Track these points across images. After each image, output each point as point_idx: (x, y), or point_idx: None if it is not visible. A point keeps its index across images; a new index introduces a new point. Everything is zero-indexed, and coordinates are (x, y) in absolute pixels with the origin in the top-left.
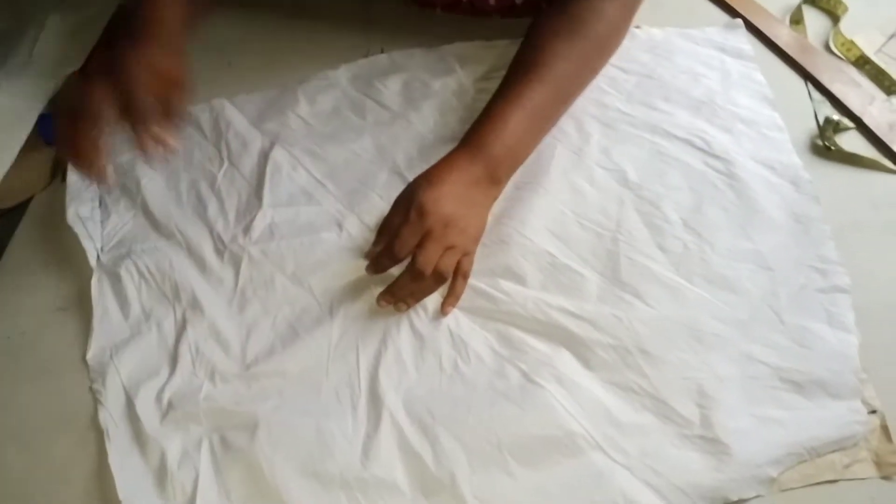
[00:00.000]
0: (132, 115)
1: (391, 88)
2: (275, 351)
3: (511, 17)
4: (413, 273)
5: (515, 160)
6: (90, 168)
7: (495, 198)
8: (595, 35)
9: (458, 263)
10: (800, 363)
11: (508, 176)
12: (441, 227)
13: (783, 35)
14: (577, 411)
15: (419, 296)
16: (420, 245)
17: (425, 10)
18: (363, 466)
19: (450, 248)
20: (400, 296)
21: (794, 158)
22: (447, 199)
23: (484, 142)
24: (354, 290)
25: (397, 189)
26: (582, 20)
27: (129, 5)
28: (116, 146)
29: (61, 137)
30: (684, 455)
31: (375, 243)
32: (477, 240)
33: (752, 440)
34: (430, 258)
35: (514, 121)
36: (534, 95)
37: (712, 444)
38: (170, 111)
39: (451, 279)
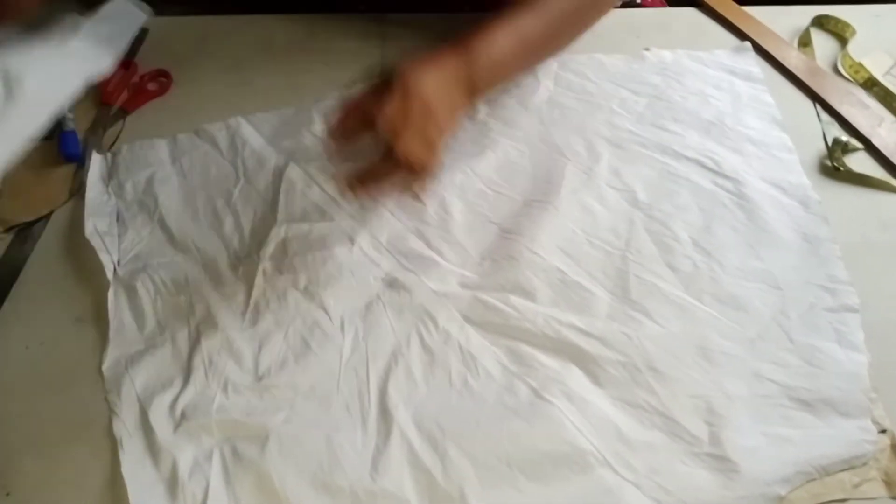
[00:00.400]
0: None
1: None
2: (287, 364)
3: None
4: (390, 158)
5: (495, 77)
6: None
7: (468, 108)
8: None
9: (424, 155)
10: (809, 382)
11: (485, 91)
12: (422, 112)
13: (792, 58)
14: (586, 428)
15: (392, 184)
16: (399, 132)
17: (438, 36)
18: (372, 480)
19: (425, 138)
20: (370, 179)
21: (804, 179)
22: (430, 86)
23: (471, 48)
24: (366, 305)
25: (409, 207)
26: None
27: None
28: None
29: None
30: (693, 472)
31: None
32: (448, 135)
33: (761, 458)
34: (410, 145)
35: (503, 40)
36: (526, 24)
37: (721, 461)
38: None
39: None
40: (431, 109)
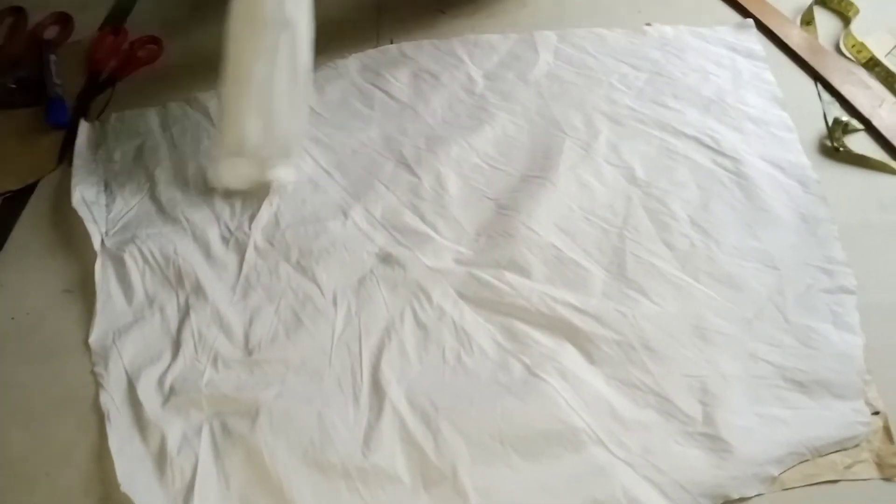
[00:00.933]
0: None
1: (400, 80)
2: (278, 338)
3: None
4: None
5: None
6: None
7: None
8: None
9: None
10: (804, 363)
11: None
12: None
13: (794, 36)
14: (580, 406)
15: None
16: None
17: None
18: (364, 456)
19: None
20: None
21: (803, 158)
22: None
23: None
24: (359, 280)
25: (403, 180)
26: None
27: None
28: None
29: None
30: (686, 452)
31: None
32: None
33: (754, 438)
34: None
35: None
36: None
37: (715, 441)
38: None
39: None
40: None
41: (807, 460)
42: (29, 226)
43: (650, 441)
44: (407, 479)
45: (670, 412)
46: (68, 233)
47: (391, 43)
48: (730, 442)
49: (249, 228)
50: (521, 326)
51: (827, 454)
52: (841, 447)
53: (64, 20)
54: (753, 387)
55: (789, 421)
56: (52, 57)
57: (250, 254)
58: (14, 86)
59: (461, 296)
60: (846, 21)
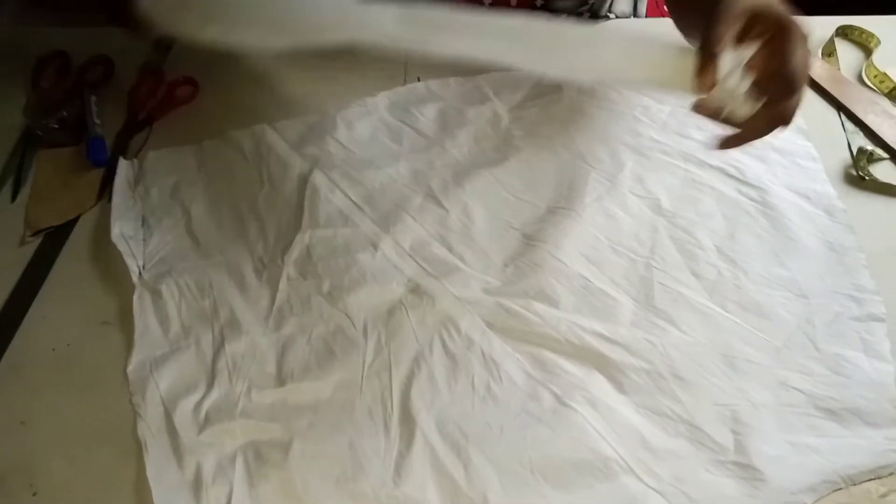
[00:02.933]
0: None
1: (427, 116)
2: (310, 368)
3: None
4: (790, 89)
5: None
6: None
7: None
8: None
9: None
10: (835, 391)
11: None
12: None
13: (816, 67)
14: (610, 435)
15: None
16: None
17: None
18: (395, 485)
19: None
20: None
21: (829, 188)
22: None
23: None
24: (388, 311)
25: (431, 213)
26: None
27: None
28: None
29: None
30: (718, 481)
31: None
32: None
33: (786, 467)
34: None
35: None
36: None
37: (747, 470)
38: None
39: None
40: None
41: (840, 489)
42: (69, 260)
43: (681, 470)
44: None
45: (701, 441)
46: (106, 267)
47: (418, 80)
48: (762, 470)
49: (282, 261)
50: (549, 356)
51: (861, 482)
52: (875, 475)
53: (105, 63)
54: (784, 415)
55: (822, 449)
56: (93, 98)
57: (283, 286)
58: (56, 126)
59: (490, 325)
60: (868, 52)
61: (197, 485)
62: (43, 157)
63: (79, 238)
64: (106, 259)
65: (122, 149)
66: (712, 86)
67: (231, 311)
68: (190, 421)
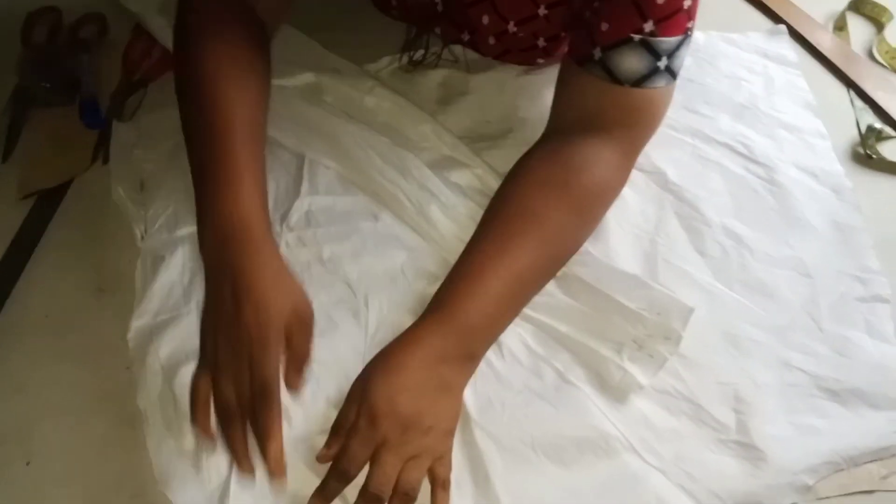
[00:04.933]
0: (263, 404)
1: (430, 82)
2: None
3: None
4: (368, 499)
5: (494, 330)
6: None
7: (470, 375)
8: (593, 183)
9: (432, 472)
10: (838, 372)
11: (485, 350)
12: (398, 432)
13: (826, 42)
14: (612, 413)
15: None
16: (373, 460)
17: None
18: None
19: (414, 457)
20: None
21: (837, 166)
22: (407, 394)
23: (458, 308)
24: (391, 281)
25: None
26: (576, 168)
27: (210, 239)
28: None
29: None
30: (720, 460)
31: (327, 445)
32: (450, 433)
33: (788, 447)
34: (386, 477)
35: (497, 281)
36: (520, 253)
37: (749, 449)
38: (296, 355)
39: (433, 493)
40: (410, 419)
41: (842, 470)
42: (63, 224)
43: (683, 449)
44: None
45: (703, 420)
46: (101, 232)
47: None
48: (764, 450)
49: (281, 228)
50: (553, 331)
51: (862, 464)
52: (876, 457)
53: (99, 21)
54: (787, 395)
55: (824, 430)
56: (87, 57)
57: (282, 252)
58: (48, 85)
59: None
60: (879, 27)
61: (197, 454)
62: (35, 117)
63: (72, 202)
64: (100, 224)
65: (116, 110)
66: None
67: None
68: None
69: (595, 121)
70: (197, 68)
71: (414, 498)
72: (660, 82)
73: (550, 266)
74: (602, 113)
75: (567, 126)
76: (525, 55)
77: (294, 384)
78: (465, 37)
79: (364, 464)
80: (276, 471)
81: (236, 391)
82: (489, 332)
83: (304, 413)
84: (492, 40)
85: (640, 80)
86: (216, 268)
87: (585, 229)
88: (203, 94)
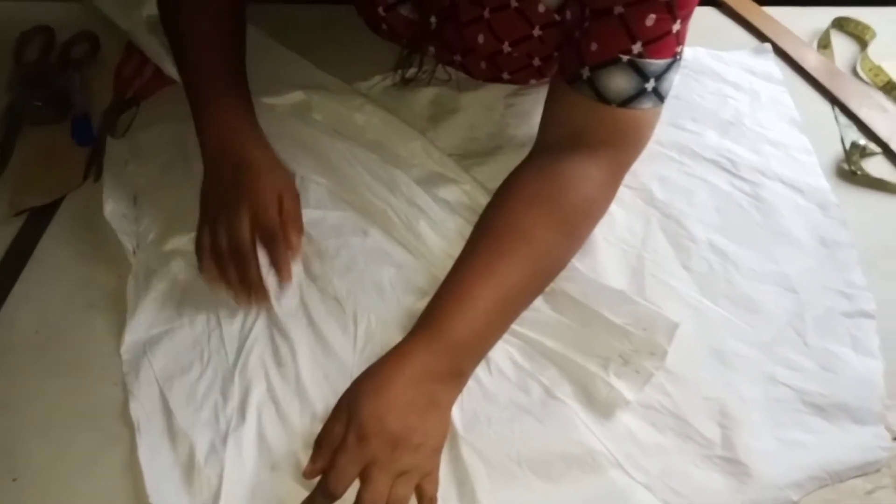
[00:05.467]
0: (275, 246)
1: (420, 101)
2: (302, 352)
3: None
4: None
5: (482, 348)
6: (258, 299)
7: (458, 392)
8: (580, 200)
9: (419, 489)
10: (824, 387)
11: (473, 367)
12: (388, 450)
13: (811, 59)
14: (598, 429)
15: None
16: (364, 477)
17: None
18: None
19: (402, 473)
20: None
21: (822, 182)
22: (396, 411)
23: (447, 325)
24: (379, 296)
25: (423, 197)
26: (564, 185)
27: (209, 142)
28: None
29: (221, 280)
30: (705, 475)
31: (313, 459)
32: (438, 450)
33: (774, 462)
34: (379, 494)
35: (484, 298)
36: (508, 270)
37: (734, 465)
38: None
39: None
40: (399, 437)
41: (827, 485)
42: (54, 241)
43: (669, 464)
44: None
45: (689, 435)
46: (93, 249)
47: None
48: (749, 465)
49: None
50: (540, 346)
51: (847, 479)
52: (861, 472)
53: (91, 39)
54: (772, 410)
55: (809, 445)
56: (78, 75)
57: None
58: (40, 103)
59: None
60: (863, 45)
61: (189, 466)
62: (27, 135)
63: (63, 219)
64: (92, 240)
65: (109, 128)
66: (318, 472)
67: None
68: (185, 401)
69: (582, 139)
70: (178, 7)
71: None
72: (647, 104)
73: (538, 283)
74: (589, 131)
75: (555, 143)
76: (518, 76)
77: (294, 243)
78: (458, 58)
79: (352, 481)
80: (286, 277)
81: (234, 238)
82: (478, 350)
83: (291, 428)
84: (483, 64)
85: (628, 101)
86: (217, 164)
87: (573, 247)
88: (182, 23)
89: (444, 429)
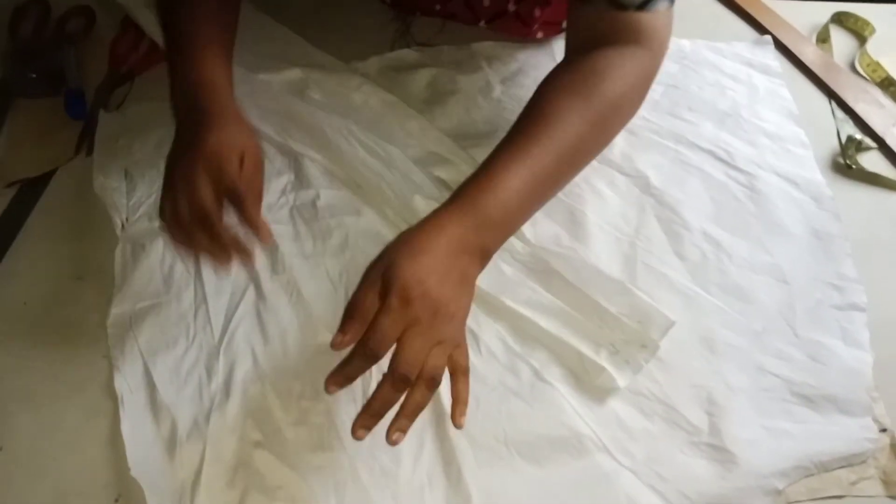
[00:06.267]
0: (238, 203)
1: (418, 82)
2: (291, 332)
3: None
4: (396, 379)
5: (510, 227)
6: (240, 256)
7: (482, 270)
8: (613, 94)
9: (452, 360)
10: (812, 378)
11: (498, 247)
12: (430, 315)
13: (809, 53)
14: (586, 412)
15: (411, 412)
16: (401, 341)
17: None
18: (371, 455)
19: (438, 343)
20: (381, 413)
21: (818, 175)
22: (435, 277)
23: (479, 199)
24: None
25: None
26: (599, 77)
27: (179, 103)
28: None
29: (189, 246)
30: (691, 462)
31: (343, 329)
32: (465, 324)
33: (760, 451)
34: (416, 358)
35: (517, 178)
36: (541, 154)
37: (720, 452)
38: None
39: (454, 381)
40: (439, 303)
41: (812, 475)
42: (44, 214)
43: (655, 450)
44: (411, 477)
45: (676, 421)
46: (83, 222)
47: (408, 47)
48: (735, 453)
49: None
50: (530, 329)
51: (833, 469)
52: (847, 463)
53: (87, 14)
54: (760, 399)
55: (795, 435)
56: (73, 49)
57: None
58: (34, 76)
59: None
60: (862, 40)
61: (171, 442)
62: (20, 108)
63: (55, 192)
64: (82, 213)
65: (102, 102)
66: (349, 343)
67: (213, 269)
68: (169, 377)
69: (609, 42)
70: None
71: (438, 384)
72: (662, 5)
73: (567, 170)
74: (616, 36)
75: (584, 48)
76: (521, 26)
77: (252, 214)
78: (437, 7)
79: (393, 343)
80: (264, 237)
81: (193, 201)
82: (504, 229)
83: (277, 406)
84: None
85: (644, 4)
86: (185, 126)
87: (601, 141)
88: None
89: (470, 303)
